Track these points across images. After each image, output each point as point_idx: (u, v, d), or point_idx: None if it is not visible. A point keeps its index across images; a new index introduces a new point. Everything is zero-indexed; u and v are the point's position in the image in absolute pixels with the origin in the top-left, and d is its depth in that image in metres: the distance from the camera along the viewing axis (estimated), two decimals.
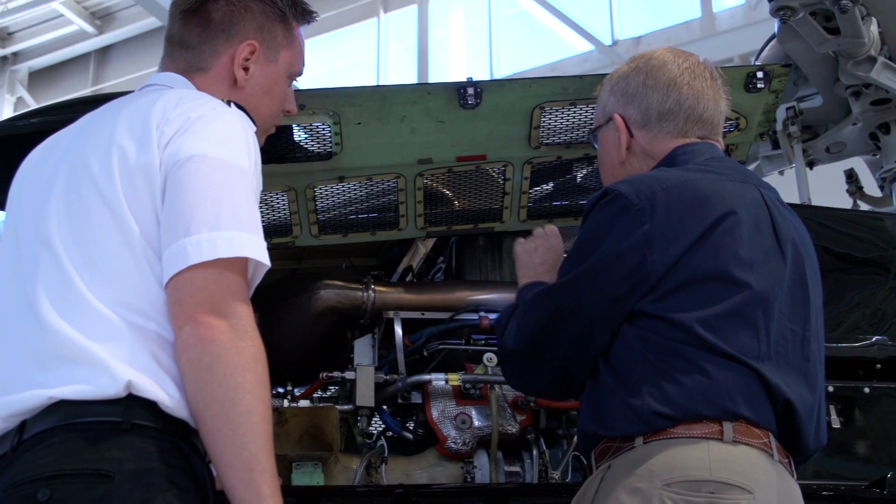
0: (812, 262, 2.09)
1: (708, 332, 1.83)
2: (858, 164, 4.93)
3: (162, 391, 1.60)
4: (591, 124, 2.59)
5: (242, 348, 1.61)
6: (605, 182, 2.21)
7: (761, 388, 1.85)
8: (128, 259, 1.67)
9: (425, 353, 2.80)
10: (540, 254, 2.27)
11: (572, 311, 1.92)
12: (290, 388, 2.75)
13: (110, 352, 1.59)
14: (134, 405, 1.58)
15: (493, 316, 2.78)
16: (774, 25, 3.96)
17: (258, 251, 1.69)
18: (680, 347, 1.83)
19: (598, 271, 1.90)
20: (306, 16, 2.12)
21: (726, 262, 1.90)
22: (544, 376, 2.01)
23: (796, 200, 4.17)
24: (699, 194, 1.95)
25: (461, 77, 2.64)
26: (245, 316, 1.64)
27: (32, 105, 13.63)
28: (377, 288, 2.86)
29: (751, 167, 4.89)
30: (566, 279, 1.96)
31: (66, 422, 1.56)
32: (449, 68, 12.69)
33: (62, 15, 14.21)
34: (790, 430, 1.92)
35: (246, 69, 2.00)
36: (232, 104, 1.90)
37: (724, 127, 2.74)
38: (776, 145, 4.62)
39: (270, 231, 2.85)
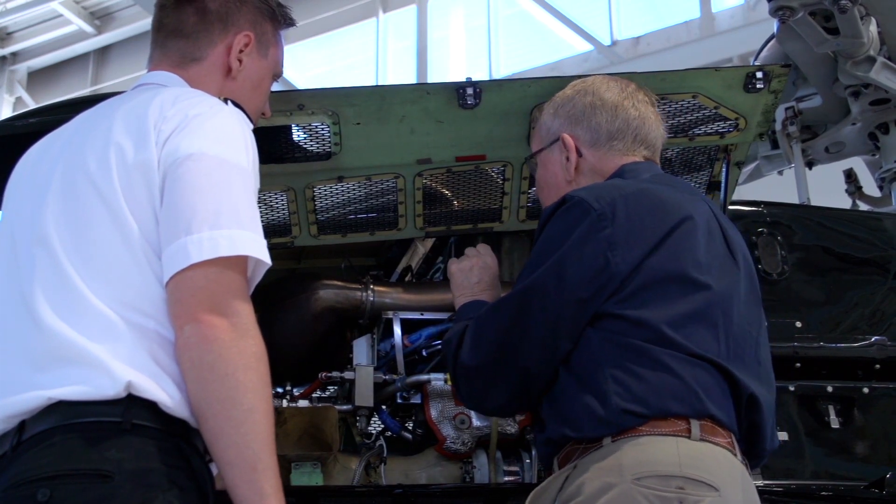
0: (755, 274, 2.14)
1: (673, 331, 1.86)
2: (857, 164, 4.93)
3: (162, 391, 1.60)
4: None
5: (244, 347, 1.61)
6: (546, 204, 2.22)
7: (726, 386, 1.89)
8: (127, 258, 1.67)
9: (424, 354, 2.80)
10: (476, 273, 2.31)
11: (537, 315, 1.93)
12: (289, 387, 2.74)
13: (110, 352, 1.59)
14: (134, 405, 1.58)
15: None
16: (774, 25, 3.95)
17: (259, 249, 1.70)
18: (645, 347, 1.85)
19: (563, 274, 1.92)
20: (289, 20, 2.18)
21: (687, 263, 1.94)
22: (505, 390, 2.00)
23: (796, 200, 4.17)
24: (657, 200, 2.00)
25: (460, 77, 2.64)
26: (246, 314, 1.64)
27: (31, 105, 13.60)
28: (376, 288, 2.86)
29: (750, 167, 4.90)
30: (528, 283, 1.96)
31: (66, 422, 1.56)
32: (448, 68, 12.69)
33: (61, 15, 14.19)
34: (752, 426, 1.95)
35: (240, 61, 2.02)
36: (229, 102, 1.90)
37: (724, 127, 2.77)
38: (775, 145, 4.62)
39: (269, 231, 2.85)
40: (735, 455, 1.86)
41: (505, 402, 2.05)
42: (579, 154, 2.20)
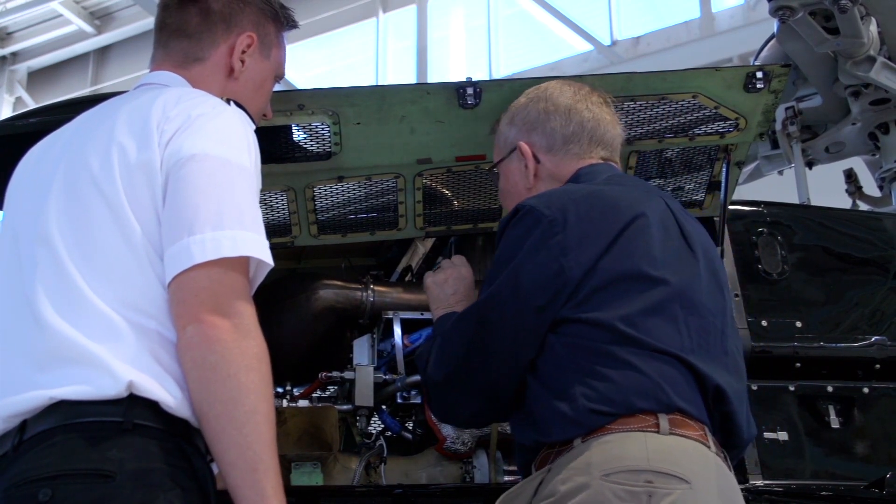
0: (720, 265, 2.15)
1: (631, 328, 1.88)
2: (857, 164, 4.93)
3: (164, 391, 1.60)
4: None
5: (246, 348, 1.61)
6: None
7: (691, 378, 1.90)
8: (129, 258, 1.67)
9: None
10: (451, 284, 2.33)
11: (497, 326, 1.95)
12: (289, 387, 2.74)
13: (112, 352, 1.59)
14: (135, 405, 1.58)
15: None
16: (774, 25, 3.96)
17: (261, 250, 1.70)
18: (607, 347, 1.87)
19: (518, 283, 1.94)
20: (292, 21, 2.19)
21: (640, 260, 1.95)
22: (473, 402, 2.03)
23: (795, 200, 4.17)
24: (608, 201, 2.02)
25: (460, 77, 2.64)
26: (248, 315, 1.65)
27: (31, 105, 13.60)
28: (376, 288, 2.86)
29: (750, 167, 4.90)
30: (486, 295, 1.99)
31: (67, 422, 1.56)
32: (448, 68, 12.69)
33: (61, 15, 14.18)
34: (724, 416, 1.96)
35: (242, 61, 2.02)
36: (232, 103, 1.91)
37: (724, 127, 2.77)
38: (775, 145, 4.62)
39: (269, 231, 2.82)
40: (708, 447, 1.86)
41: (475, 413, 2.08)
42: (537, 161, 2.23)
